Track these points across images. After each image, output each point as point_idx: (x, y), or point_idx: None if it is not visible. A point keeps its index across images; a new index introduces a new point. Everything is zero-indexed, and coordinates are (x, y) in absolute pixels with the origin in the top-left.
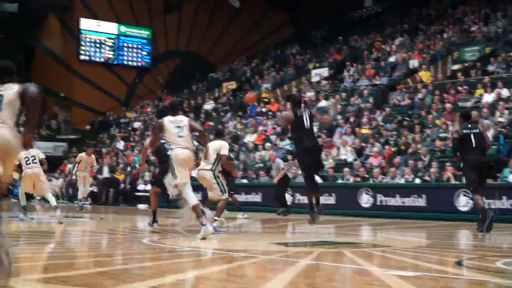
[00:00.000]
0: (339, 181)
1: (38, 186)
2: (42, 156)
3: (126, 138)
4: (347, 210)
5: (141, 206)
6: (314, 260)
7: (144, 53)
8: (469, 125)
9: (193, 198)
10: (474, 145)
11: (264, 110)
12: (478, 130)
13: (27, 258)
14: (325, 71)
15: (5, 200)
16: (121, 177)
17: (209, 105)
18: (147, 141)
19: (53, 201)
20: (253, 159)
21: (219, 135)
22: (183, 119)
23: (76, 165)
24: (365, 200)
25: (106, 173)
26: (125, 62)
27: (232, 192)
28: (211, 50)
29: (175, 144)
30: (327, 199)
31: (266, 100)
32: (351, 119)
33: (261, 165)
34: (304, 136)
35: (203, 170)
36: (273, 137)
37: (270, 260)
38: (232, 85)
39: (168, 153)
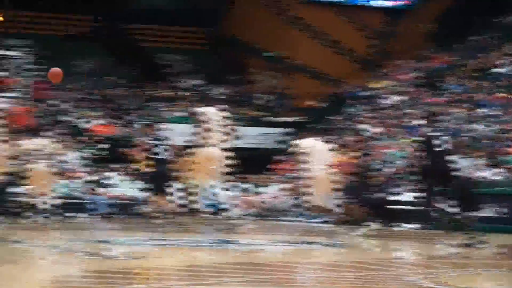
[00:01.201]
0: None
1: None
2: None
3: (375, 120)
4: None
5: (404, 226)
6: None
7: None
8: None
9: None
10: None
11: None
12: None
13: None
14: None
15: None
16: (373, 180)
17: (506, 68)
18: None
19: None
20: None
21: None
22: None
23: None
24: None
25: None
26: (370, 2)
27: None
28: None
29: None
30: None
31: None
32: None
33: None
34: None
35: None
36: None
37: None
38: None
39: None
